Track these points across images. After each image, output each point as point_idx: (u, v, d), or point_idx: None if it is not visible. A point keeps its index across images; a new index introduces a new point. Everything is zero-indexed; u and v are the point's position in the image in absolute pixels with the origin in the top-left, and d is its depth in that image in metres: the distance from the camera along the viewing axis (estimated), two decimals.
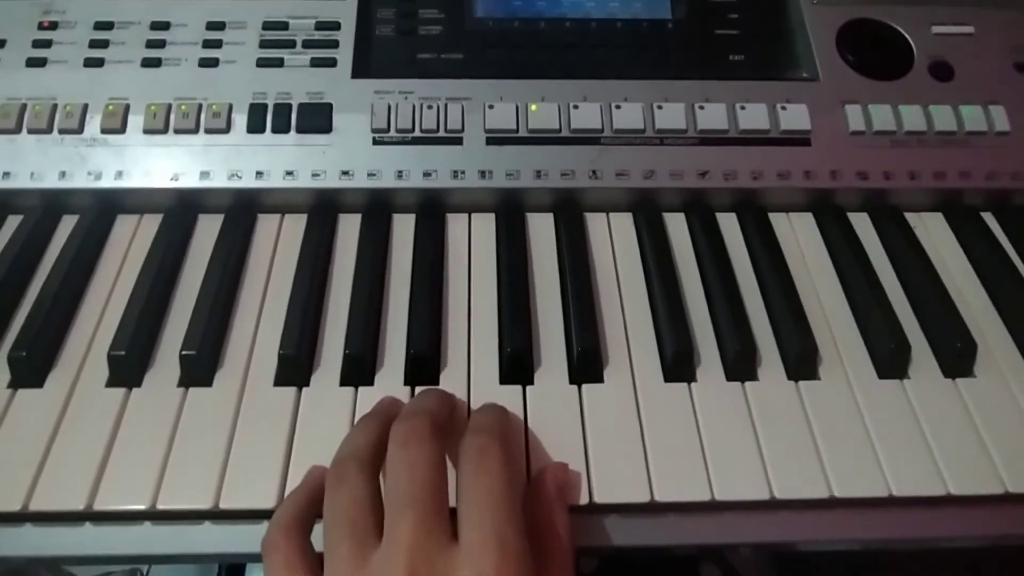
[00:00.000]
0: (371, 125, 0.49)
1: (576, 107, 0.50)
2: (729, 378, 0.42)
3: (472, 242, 0.48)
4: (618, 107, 0.50)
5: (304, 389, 0.41)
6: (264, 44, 0.52)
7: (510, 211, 0.50)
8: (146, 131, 0.49)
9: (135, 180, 0.48)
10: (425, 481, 0.31)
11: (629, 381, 0.41)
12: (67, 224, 0.49)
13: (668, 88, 0.51)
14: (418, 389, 0.40)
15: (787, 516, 0.37)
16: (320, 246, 0.47)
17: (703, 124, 0.50)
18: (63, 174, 0.48)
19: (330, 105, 0.49)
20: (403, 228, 0.49)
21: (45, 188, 0.48)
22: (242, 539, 0.36)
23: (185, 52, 0.51)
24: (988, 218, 0.51)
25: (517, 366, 0.41)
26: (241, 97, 0.50)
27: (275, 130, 0.49)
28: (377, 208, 0.50)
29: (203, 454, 0.37)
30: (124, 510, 0.36)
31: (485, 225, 0.49)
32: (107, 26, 0.52)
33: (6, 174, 0.47)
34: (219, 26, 0.52)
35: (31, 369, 0.41)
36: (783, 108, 0.50)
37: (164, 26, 0.52)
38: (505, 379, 0.41)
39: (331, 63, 0.51)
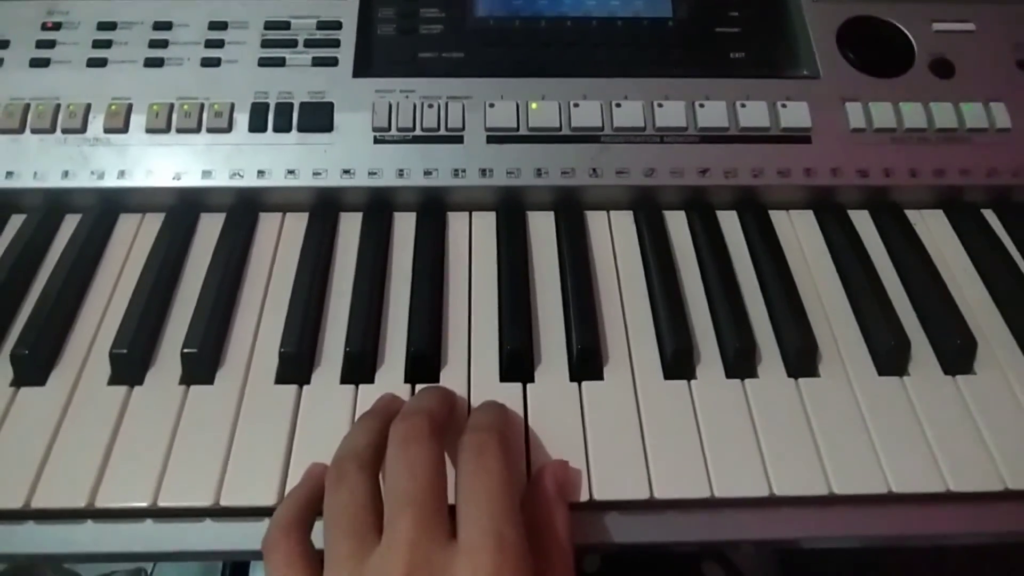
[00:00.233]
0: (372, 124, 0.49)
1: (576, 105, 0.50)
2: (729, 375, 0.42)
3: (473, 240, 0.49)
4: (618, 105, 0.50)
5: (305, 387, 0.41)
6: (266, 44, 0.52)
7: (511, 209, 0.50)
8: (148, 130, 0.49)
9: (137, 179, 0.48)
10: (424, 480, 0.31)
11: (629, 379, 0.41)
12: (70, 223, 0.49)
13: (668, 86, 0.51)
14: (418, 387, 0.41)
15: (787, 513, 0.37)
16: (321, 244, 0.47)
17: (703, 122, 0.50)
18: (66, 173, 0.48)
19: (331, 104, 0.50)
20: (404, 226, 0.49)
21: (48, 187, 0.48)
22: (243, 536, 0.36)
23: (187, 52, 0.51)
24: (989, 215, 0.51)
25: (517, 364, 0.41)
26: (243, 96, 0.50)
27: (277, 129, 0.49)
28: (378, 207, 0.50)
29: (204, 452, 0.38)
30: (126, 508, 0.36)
31: (486, 223, 0.50)
32: (110, 26, 0.52)
33: (9, 173, 0.48)
34: (221, 26, 0.52)
35: (34, 367, 0.41)
36: (783, 106, 0.50)
37: (166, 26, 0.52)
38: (505, 377, 0.41)
39: (332, 62, 0.51)
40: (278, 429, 0.39)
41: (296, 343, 0.41)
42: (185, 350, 0.41)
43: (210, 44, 0.52)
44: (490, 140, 0.49)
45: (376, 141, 0.49)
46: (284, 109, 0.49)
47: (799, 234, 0.49)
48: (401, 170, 0.48)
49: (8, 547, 0.36)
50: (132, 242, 0.48)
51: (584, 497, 0.36)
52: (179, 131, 0.49)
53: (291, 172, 0.48)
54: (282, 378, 0.41)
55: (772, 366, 0.42)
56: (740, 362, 0.42)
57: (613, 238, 0.49)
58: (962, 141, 0.50)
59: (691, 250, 0.48)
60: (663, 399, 0.40)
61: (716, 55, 0.53)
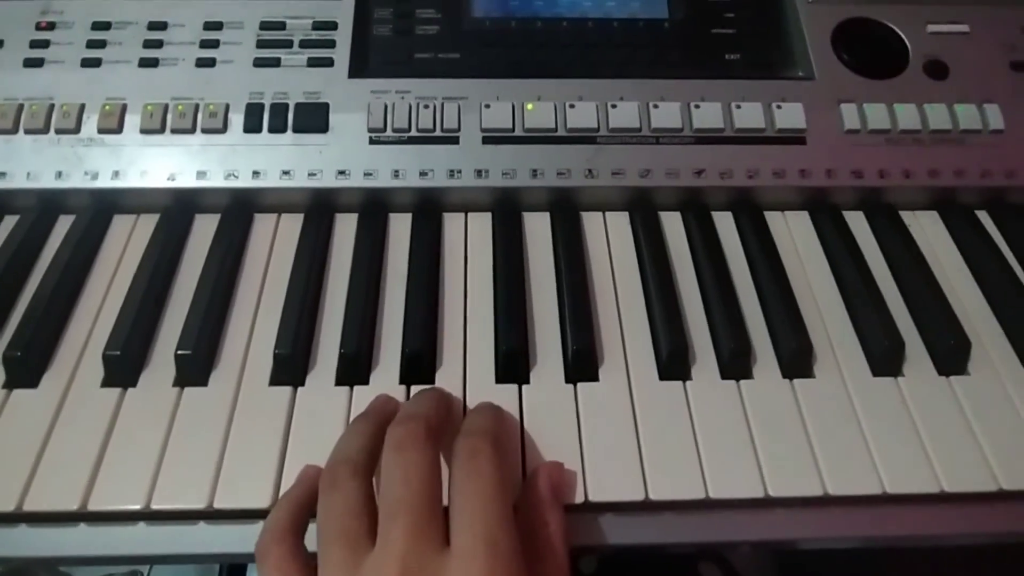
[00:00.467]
0: (368, 125, 0.49)
1: (572, 106, 0.50)
2: (724, 376, 0.42)
3: (468, 241, 0.49)
4: (614, 106, 0.50)
5: (299, 388, 0.41)
6: (261, 44, 0.52)
7: (506, 210, 0.50)
8: (143, 131, 0.49)
9: (132, 180, 0.48)
10: (419, 486, 0.31)
11: (624, 380, 0.41)
12: (63, 224, 0.49)
13: (664, 87, 0.51)
14: (414, 388, 0.40)
15: (782, 514, 0.37)
16: (316, 245, 0.47)
17: (699, 123, 0.50)
18: (60, 174, 0.48)
19: (327, 105, 0.50)
20: (399, 227, 0.49)
21: (42, 188, 0.48)
22: (238, 539, 0.36)
23: (182, 52, 0.51)
24: (983, 216, 0.51)
25: (513, 365, 0.41)
26: (238, 97, 0.50)
27: (272, 130, 0.49)
28: (373, 207, 0.50)
29: (198, 454, 0.37)
30: (119, 510, 0.36)
31: (481, 224, 0.49)
32: (104, 26, 0.52)
33: (2, 174, 0.48)
34: (216, 26, 0.52)
35: (26, 369, 0.41)
36: (778, 107, 0.50)
37: (161, 26, 0.52)
38: (501, 378, 0.41)
39: (328, 63, 0.51)
40: (272, 431, 0.39)
41: (291, 344, 0.41)
42: (179, 352, 0.41)
43: (205, 44, 0.51)
44: (486, 141, 0.49)
45: (372, 142, 0.49)
46: (279, 110, 0.49)
47: (794, 235, 0.50)
48: (397, 171, 0.48)
49: (1, 550, 0.36)
50: (126, 243, 0.48)
51: (579, 499, 0.36)
52: (174, 131, 0.49)
53: (286, 173, 0.48)
54: (276, 380, 0.41)
55: (767, 367, 0.42)
56: (735, 363, 0.42)
57: (609, 239, 0.49)
58: (956, 142, 0.50)
59: (686, 251, 0.48)
60: (658, 400, 0.40)
61: (712, 56, 0.53)
